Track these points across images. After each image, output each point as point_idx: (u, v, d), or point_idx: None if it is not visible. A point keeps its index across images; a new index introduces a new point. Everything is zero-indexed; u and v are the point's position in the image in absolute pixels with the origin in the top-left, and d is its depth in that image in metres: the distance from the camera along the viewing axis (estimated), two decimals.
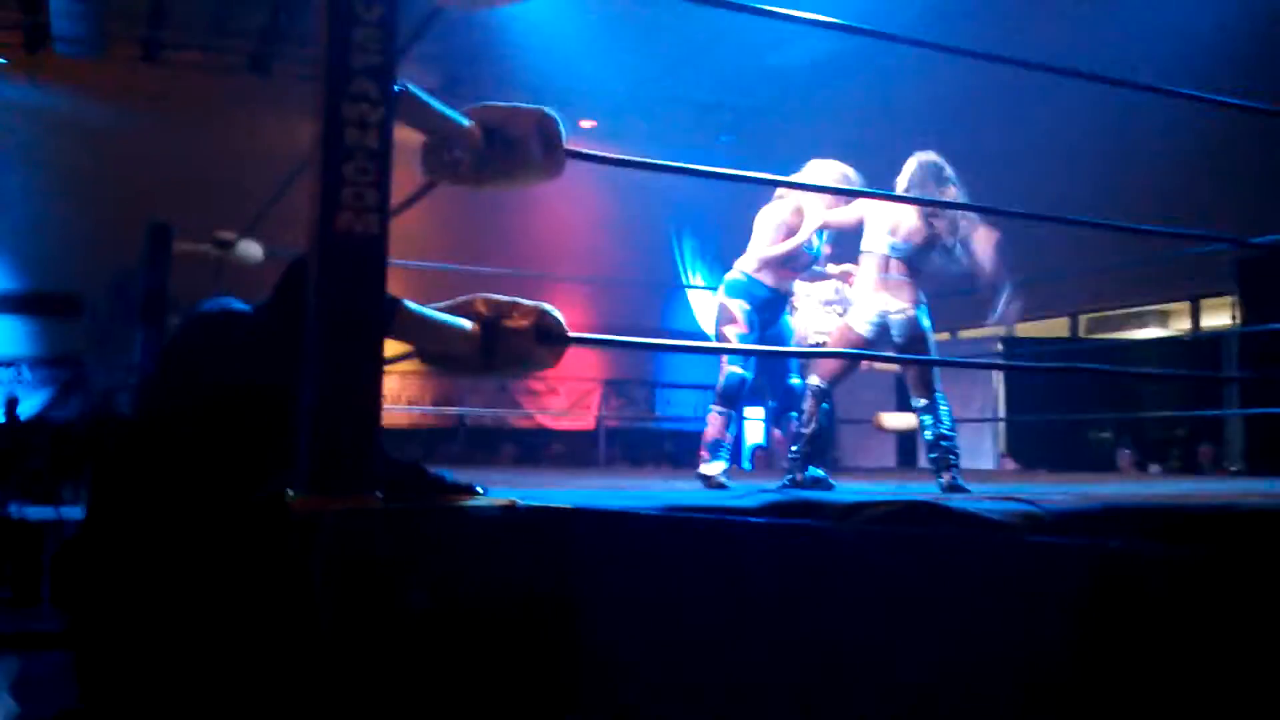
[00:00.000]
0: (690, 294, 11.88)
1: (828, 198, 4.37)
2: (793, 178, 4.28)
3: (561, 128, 2.35)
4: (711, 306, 4.66)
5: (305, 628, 1.89)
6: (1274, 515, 2.41)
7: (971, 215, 4.05)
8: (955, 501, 2.04)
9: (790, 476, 4.09)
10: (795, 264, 4.54)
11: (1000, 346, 9.39)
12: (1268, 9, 8.15)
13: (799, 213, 4.42)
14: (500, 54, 11.24)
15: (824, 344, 4.50)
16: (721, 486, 4.16)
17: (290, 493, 1.92)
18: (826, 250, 4.74)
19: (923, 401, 4.06)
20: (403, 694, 1.91)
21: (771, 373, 4.65)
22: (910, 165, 4.12)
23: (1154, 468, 8.92)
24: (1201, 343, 9.47)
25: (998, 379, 10.15)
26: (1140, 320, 10.75)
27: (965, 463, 4.14)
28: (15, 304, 11.61)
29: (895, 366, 5.03)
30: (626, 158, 2.86)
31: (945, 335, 10.19)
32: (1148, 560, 1.70)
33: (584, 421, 12.33)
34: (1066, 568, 1.65)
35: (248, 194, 5.83)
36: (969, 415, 8.73)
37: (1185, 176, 8.61)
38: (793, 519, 1.86)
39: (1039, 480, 5.71)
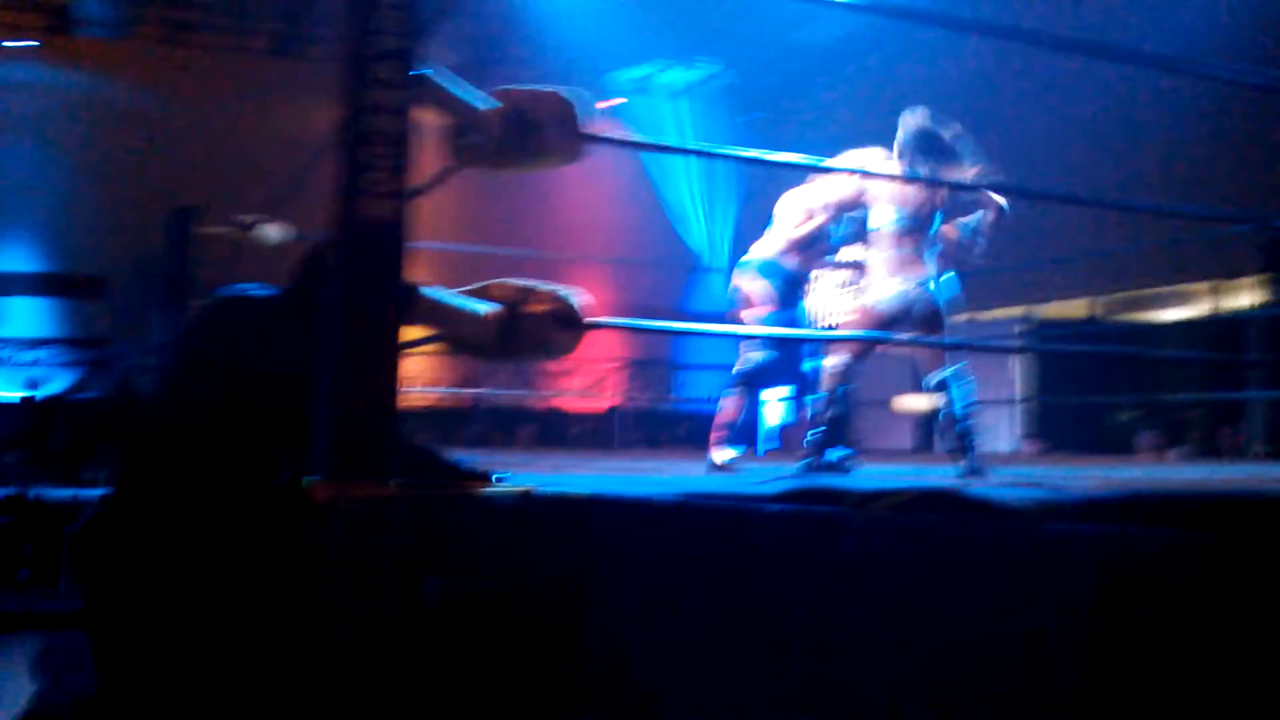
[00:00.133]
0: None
1: (849, 185, 4.33)
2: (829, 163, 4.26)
3: (582, 112, 2.35)
4: (731, 288, 4.65)
5: (322, 613, 1.90)
6: None
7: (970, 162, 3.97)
8: (974, 488, 2.04)
9: (808, 460, 4.08)
10: (817, 248, 4.52)
11: (1027, 328, 9.34)
12: None
13: (822, 197, 4.41)
14: (523, 32, 11.22)
15: (846, 324, 4.46)
16: (731, 471, 4.17)
17: (308, 478, 1.92)
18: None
19: (938, 378, 4.00)
20: (417, 680, 1.92)
21: (789, 356, 4.64)
22: (900, 133, 4.04)
23: (1176, 450, 8.87)
24: (1225, 324, 9.40)
25: (1019, 360, 10.11)
26: (1163, 301, 10.67)
27: (990, 444, 4.11)
28: (40, 285, 11.69)
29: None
30: (646, 141, 2.85)
31: (965, 316, 10.15)
32: (1170, 549, 1.70)
33: (602, 402, 12.34)
34: (1087, 556, 1.65)
35: (271, 176, 5.85)
36: (990, 397, 8.71)
37: (1208, 157, 8.53)
38: (810, 506, 1.86)
39: (1060, 463, 5.69)
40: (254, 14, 12.23)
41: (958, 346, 4.57)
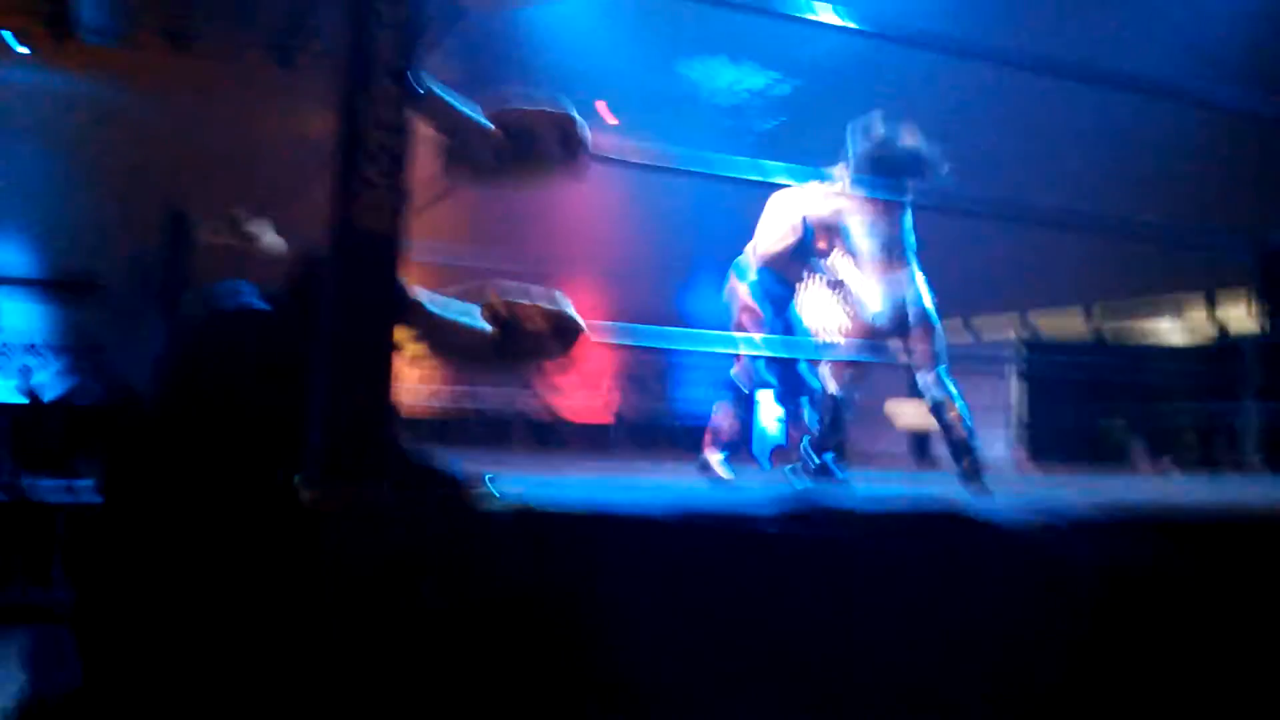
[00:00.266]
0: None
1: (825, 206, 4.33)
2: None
3: (583, 130, 2.35)
4: (726, 291, 4.65)
5: (313, 618, 1.90)
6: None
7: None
8: (973, 508, 2.04)
9: (804, 467, 4.07)
10: (801, 257, 4.52)
11: (1022, 347, 9.35)
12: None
13: (801, 212, 4.42)
14: (525, 47, 11.22)
15: (837, 343, 4.45)
16: (722, 477, 4.17)
17: (301, 484, 1.92)
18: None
19: (933, 389, 3.97)
20: (409, 688, 1.91)
21: (785, 362, 4.65)
22: (857, 144, 4.06)
23: (1170, 462, 8.86)
24: (1221, 339, 9.41)
25: (1013, 376, 10.11)
26: (1158, 309, 10.68)
27: (985, 456, 4.06)
28: (36, 287, 11.68)
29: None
30: (647, 160, 2.85)
31: (967, 337, 10.18)
32: (1170, 573, 1.70)
33: (597, 409, 12.34)
34: (1088, 579, 1.65)
35: (268, 182, 5.85)
36: (983, 405, 8.71)
37: (1204, 169, 8.55)
38: (810, 529, 1.86)
39: (1055, 475, 5.69)
40: (253, 23, 12.23)
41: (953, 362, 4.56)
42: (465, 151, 2.36)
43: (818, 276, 4.70)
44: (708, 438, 4.40)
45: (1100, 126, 8.98)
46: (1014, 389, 10.12)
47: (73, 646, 2.33)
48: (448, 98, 2.28)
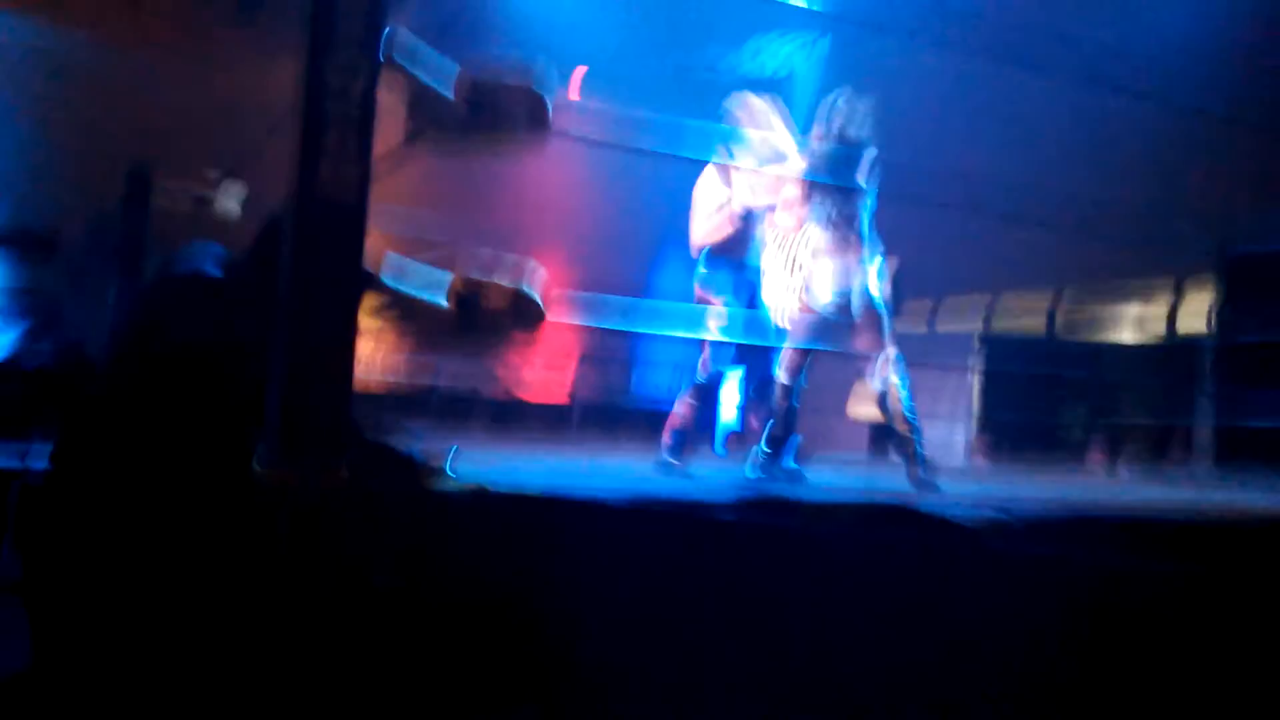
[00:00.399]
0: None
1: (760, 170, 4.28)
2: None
3: (549, 100, 2.31)
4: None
5: (268, 596, 1.87)
6: (1245, 530, 2.41)
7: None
8: (926, 505, 2.03)
9: (761, 459, 4.05)
10: (747, 239, 4.46)
11: (981, 344, 9.38)
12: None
13: (728, 187, 4.38)
14: (494, 12, 11.11)
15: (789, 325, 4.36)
16: (681, 471, 4.16)
17: (258, 462, 1.88)
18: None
19: (879, 378, 3.94)
20: (363, 667, 1.89)
21: (746, 354, 4.62)
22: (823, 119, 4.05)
23: (1123, 463, 8.96)
24: (1182, 346, 9.49)
25: (973, 370, 10.17)
26: (1123, 295, 10.73)
27: (934, 454, 4.05)
28: None
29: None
30: (611, 136, 2.82)
31: (921, 329, 10.21)
32: (1117, 573, 1.69)
33: (558, 393, 12.29)
34: (1035, 578, 1.64)
35: (230, 140, 5.76)
36: (941, 405, 8.74)
37: (1172, 163, 8.60)
38: (765, 518, 1.85)
39: (1010, 474, 5.72)
40: None
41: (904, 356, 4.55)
42: (430, 116, 2.32)
43: (776, 258, 4.63)
44: (667, 434, 4.38)
45: (1072, 117, 9.02)
46: (970, 384, 10.18)
47: (23, 623, 2.29)
48: (413, 63, 2.23)
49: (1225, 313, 8.55)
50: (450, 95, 2.28)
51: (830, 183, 3.98)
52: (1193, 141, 7.95)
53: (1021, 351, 9.49)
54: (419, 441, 2.19)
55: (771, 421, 4.09)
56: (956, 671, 1.59)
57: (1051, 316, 10.86)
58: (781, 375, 4.08)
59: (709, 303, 4.42)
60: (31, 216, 11.07)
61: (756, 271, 4.55)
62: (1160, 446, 9.38)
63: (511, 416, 11.77)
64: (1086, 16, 8.58)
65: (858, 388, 4.11)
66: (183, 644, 2.00)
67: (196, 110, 10.47)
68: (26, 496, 2.59)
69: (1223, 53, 7.64)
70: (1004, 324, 10.61)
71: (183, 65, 11.02)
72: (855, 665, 1.64)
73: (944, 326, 10.34)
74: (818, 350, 4.15)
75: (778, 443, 4.07)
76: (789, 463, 4.08)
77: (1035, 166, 8.98)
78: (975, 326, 10.39)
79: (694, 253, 4.47)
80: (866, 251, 4.00)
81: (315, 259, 1.95)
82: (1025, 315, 10.59)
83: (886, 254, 4.11)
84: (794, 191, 4.09)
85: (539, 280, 2.38)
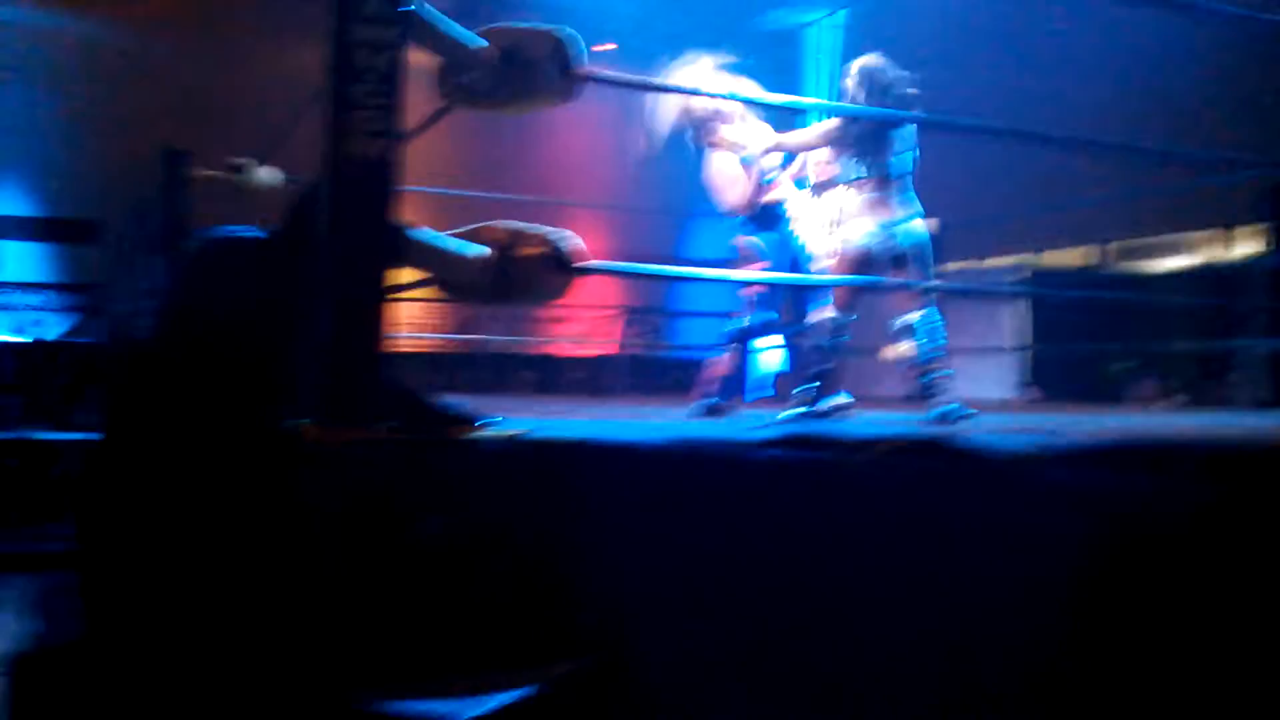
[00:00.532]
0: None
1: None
2: None
3: (577, 49, 2.31)
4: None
5: (312, 554, 1.90)
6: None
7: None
8: (965, 435, 2.03)
9: (800, 409, 4.06)
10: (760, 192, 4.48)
11: (1027, 274, 9.29)
12: None
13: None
14: None
15: (829, 269, 4.38)
16: (720, 417, 4.18)
17: (300, 422, 1.92)
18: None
19: (903, 323, 3.95)
20: (404, 620, 1.92)
21: (784, 305, 4.63)
22: (853, 71, 4.03)
23: (1171, 399, 8.87)
24: (1224, 273, 9.36)
25: (1018, 307, 10.08)
26: (1162, 250, 10.61)
27: (987, 392, 4.02)
28: (35, 230, 11.63)
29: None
30: (642, 80, 2.81)
31: (962, 264, 10.12)
32: (1163, 497, 1.69)
33: (600, 348, 12.32)
34: (1079, 503, 1.64)
35: (266, 118, 5.79)
36: (980, 344, 8.68)
37: (1215, 105, 8.44)
38: (802, 451, 1.85)
39: (1053, 411, 5.68)
40: None
41: (949, 290, 4.55)
42: (460, 75, 2.33)
43: (811, 206, 4.63)
44: (707, 378, 4.40)
45: (1115, 48, 8.87)
46: (1015, 323, 10.10)
47: (76, 592, 2.34)
48: (441, 19, 2.24)
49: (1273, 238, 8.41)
50: (481, 52, 2.29)
51: (859, 138, 3.99)
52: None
53: (1071, 283, 9.39)
54: (458, 401, 2.22)
55: (810, 366, 4.10)
56: (988, 596, 1.60)
57: (1093, 249, 10.73)
58: (818, 320, 4.08)
59: (747, 252, 4.43)
60: (76, 203, 11.22)
61: (792, 220, 4.55)
62: (1214, 378, 9.26)
63: (550, 375, 11.84)
64: None
65: (893, 328, 4.07)
66: (234, 604, 2.04)
67: (232, 89, 10.53)
68: (78, 472, 2.64)
69: None
70: (1045, 259, 10.51)
71: (217, 44, 11.08)
72: (899, 592, 1.65)
73: (989, 262, 10.25)
74: (854, 294, 4.14)
75: (819, 389, 4.07)
76: (828, 406, 4.08)
77: (1081, 95, 8.87)
78: (1020, 258, 10.30)
79: (728, 209, 4.47)
80: (902, 200, 3.99)
81: (351, 220, 1.97)
82: (1065, 249, 10.48)
83: (926, 215, 4.11)
84: (824, 150, 4.11)
85: (571, 242, 2.39)
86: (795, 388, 4.17)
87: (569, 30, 2.32)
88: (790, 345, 5.06)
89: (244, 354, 2.22)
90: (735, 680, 1.82)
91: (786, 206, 4.53)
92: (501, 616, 1.94)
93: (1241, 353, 8.64)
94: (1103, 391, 9.01)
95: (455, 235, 2.36)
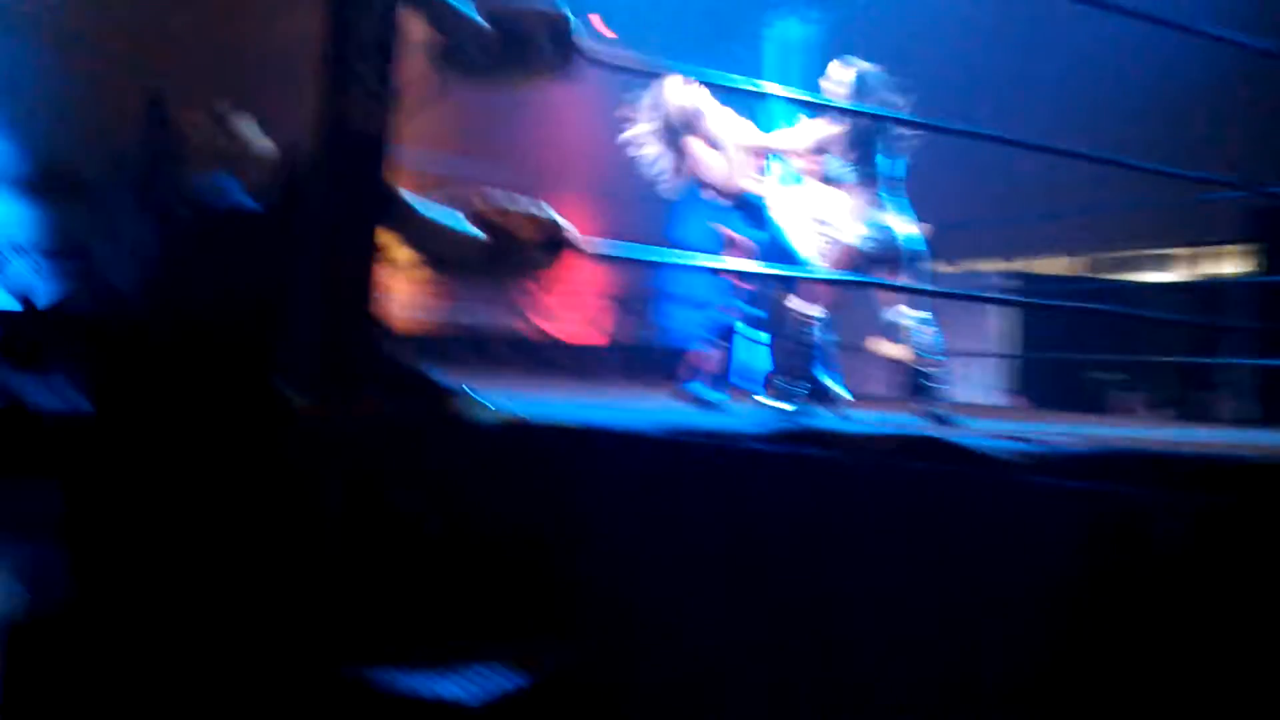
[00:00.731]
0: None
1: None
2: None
3: (574, 27, 2.28)
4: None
5: (302, 523, 1.88)
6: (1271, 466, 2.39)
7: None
8: (958, 438, 2.01)
9: (784, 399, 4.04)
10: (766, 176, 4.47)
11: (1017, 282, 9.32)
12: None
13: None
14: None
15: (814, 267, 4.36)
16: (709, 406, 4.16)
17: (293, 394, 1.89)
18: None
19: (906, 319, 3.97)
20: (398, 596, 1.90)
21: (776, 294, 4.61)
22: (843, 74, 4.03)
23: (1153, 411, 8.91)
24: (1208, 290, 9.41)
25: (1003, 313, 10.11)
26: (1146, 264, 10.67)
27: (971, 396, 4.06)
28: (21, 186, 11.52)
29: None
30: (640, 63, 2.78)
31: (947, 268, 10.15)
32: (1149, 507, 1.68)
33: (588, 333, 12.31)
34: (1068, 510, 1.62)
35: (256, 76, 5.73)
36: (966, 349, 8.70)
37: (1205, 125, 8.47)
38: (796, 448, 1.83)
39: (1038, 418, 5.69)
40: None
41: (939, 294, 4.54)
42: (457, 49, 2.29)
43: (800, 199, 4.62)
44: (690, 368, 4.39)
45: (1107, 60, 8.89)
46: (1002, 328, 10.12)
47: (63, 558, 2.32)
48: None
49: (1263, 259, 8.46)
50: (477, 24, 2.25)
51: (848, 140, 4.00)
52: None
53: (1057, 292, 9.41)
54: (448, 376, 2.19)
55: (795, 361, 4.08)
56: (977, 596, 1.58)
57: (1078, 260, 10.77)
58: (805, 312, 4.07)
59: (734, 243, 4.41)
60: (57, 157, 11.11)
61: (776, 215, 4.53)
62: (1199, 392, 9.31)
63: (538, 356, 11.81)
64: None
65: (883, 326, 4.08)
66: (220, 570, 2.01)
67: (216, 44, 10.44)
68: (63, 433, 2.62)
69: None
70: (1030, 267, 10.54)
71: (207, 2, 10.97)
72: (888, 585, 1.63)
73: (978, 267, 10.27)
74: (842, 289, 4.14)
75: (801, 382, 4.06)
76: (813, 399, 4.06)
77: (1071, 106, 8.88)
78: (1007, 266, 10.33)
79: (716, 197, 4.46)
80: (892, 203, 4.01)
81: (343, 191, 1.94)
82: (1051, 259, 10.52)
83: (919, 219, 4.12)
84: (811, 142, 4.12)
85: (561, 220, 2.36)
86: (777, 381, 4.16)
87: (566, 8, 2.29)
88: (774, 337, 5.04)
89: (236, 324, 2.20)
90: (727, 670, 1.80)
91: (769, 201, 4.51)
92: (489, 596, 1.92)
93: (1227, 369, 8.69)
94: (1087, 401, 9.04)
95: (447, 208, 2.33)
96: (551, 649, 1.93)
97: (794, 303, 4.11)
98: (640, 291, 12.92)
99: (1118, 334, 9.46)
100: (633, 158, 4.63)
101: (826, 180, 4.20)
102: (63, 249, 11.14)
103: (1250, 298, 8.29)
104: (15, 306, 9.17)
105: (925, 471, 1.71)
